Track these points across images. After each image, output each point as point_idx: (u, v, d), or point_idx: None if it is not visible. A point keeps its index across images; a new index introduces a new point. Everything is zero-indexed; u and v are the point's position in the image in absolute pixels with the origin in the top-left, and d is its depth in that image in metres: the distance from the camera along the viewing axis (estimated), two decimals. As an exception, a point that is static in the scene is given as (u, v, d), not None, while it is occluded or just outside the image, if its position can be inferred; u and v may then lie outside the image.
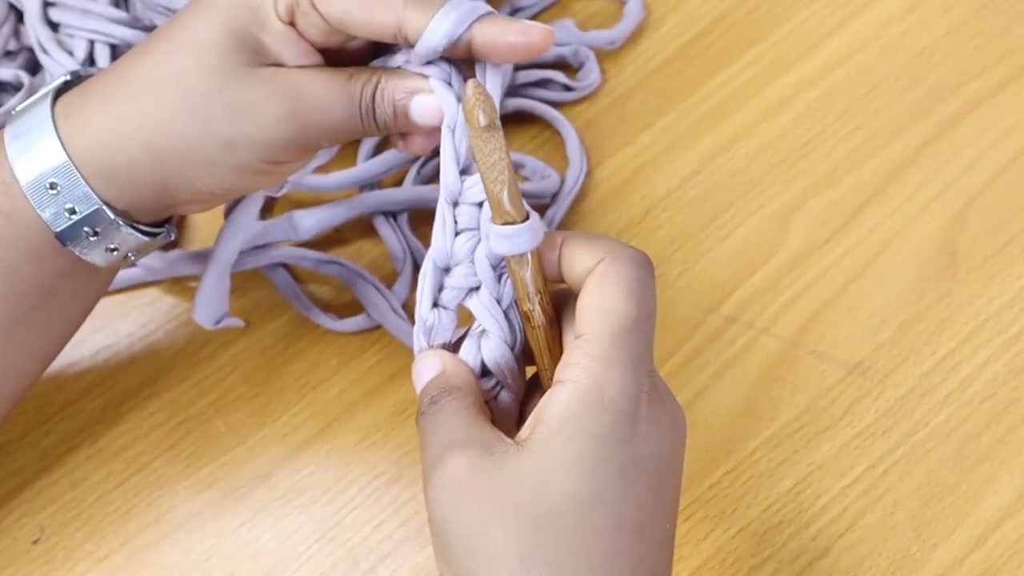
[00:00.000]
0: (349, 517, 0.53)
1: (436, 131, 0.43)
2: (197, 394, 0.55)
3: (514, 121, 0.62)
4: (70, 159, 0.42)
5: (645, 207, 0.60)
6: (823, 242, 0.59)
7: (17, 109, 0.45)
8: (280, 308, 0.57)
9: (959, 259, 0.58)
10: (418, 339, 0.43)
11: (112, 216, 0.43)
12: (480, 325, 0.43)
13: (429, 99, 0.42)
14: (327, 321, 0.56)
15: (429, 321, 0.43)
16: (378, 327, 0.56)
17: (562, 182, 0.60)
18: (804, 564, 0.52)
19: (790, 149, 0.62)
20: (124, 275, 0.57)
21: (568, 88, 0.63)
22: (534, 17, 0.66)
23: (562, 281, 0.41)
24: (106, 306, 0.57)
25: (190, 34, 0.42)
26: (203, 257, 0.56)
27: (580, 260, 0.40)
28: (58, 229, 0.43)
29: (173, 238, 0.47)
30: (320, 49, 0.43)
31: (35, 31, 0.60)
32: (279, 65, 0.42)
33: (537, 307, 0.41)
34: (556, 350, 0.41)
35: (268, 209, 0.60)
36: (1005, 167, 0.61)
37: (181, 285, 0.58)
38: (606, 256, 0.39)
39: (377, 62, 0.44)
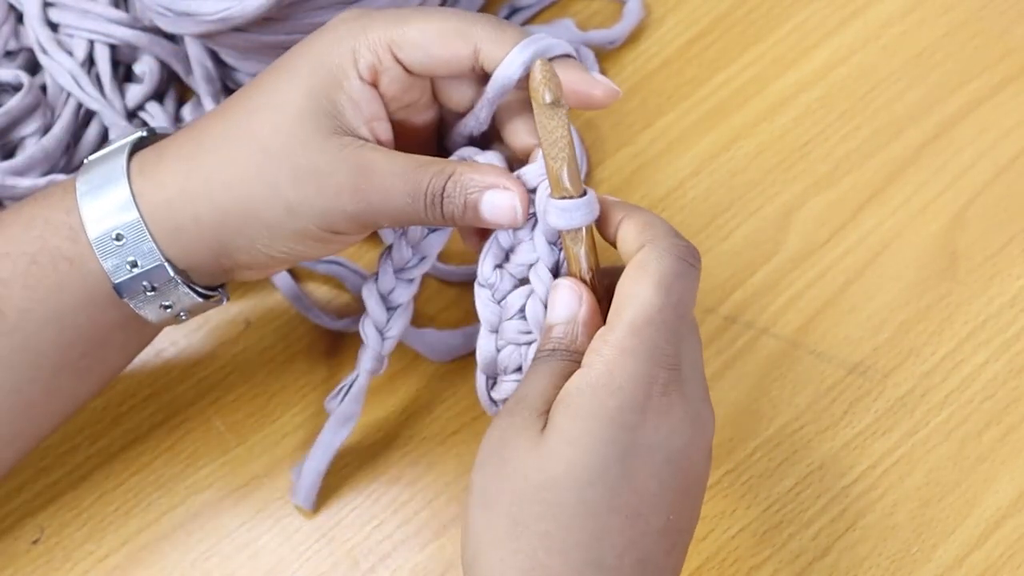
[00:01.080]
0: (349, 517, 0.53)
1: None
2: (197, 394, 0.55)
3: (514, 121, 0.62)
4: (140, 213, 0.43)
5: (645, 207, 0.60)
6: (823, 242, 0.59)
7: (91, 159, 0.45)
8: (280, 308, 0.57)
9: (959, 259, 0.58)
10: (480, 299, 0.44)
11: (172, 274, 0.44)
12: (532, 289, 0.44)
13: (503, 196, 0.42)
14: (327, 321, 0.56)
15: (491, 279, 0.44)
16: (378, 327, 0.56)
17: (562, 182, 0.60)
18: (804, 564, 0.52)
19: (790, 149, 0.62)
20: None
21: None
22: (534, 17, 0.66)
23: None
24: (106, 306, 0.57)
25: (268, 96, 0.43)
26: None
27: (629, 242, 0.41)
28: (117, 281, 0.44)
29: (226, 302, 0.48)
30: (394, 119, 0.44)
31: (35, 31, 0.60)
32: (354, 133, 0.43)
33: (588, 279, 0.42)
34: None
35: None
36: (1005, 167, 0.61)
37: (181, 285, 0.58)
38: (647, 243, 0.40)
39: (457, 155, 0.45)
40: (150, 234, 0.43)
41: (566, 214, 0.41)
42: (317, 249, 0.44)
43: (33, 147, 0.58)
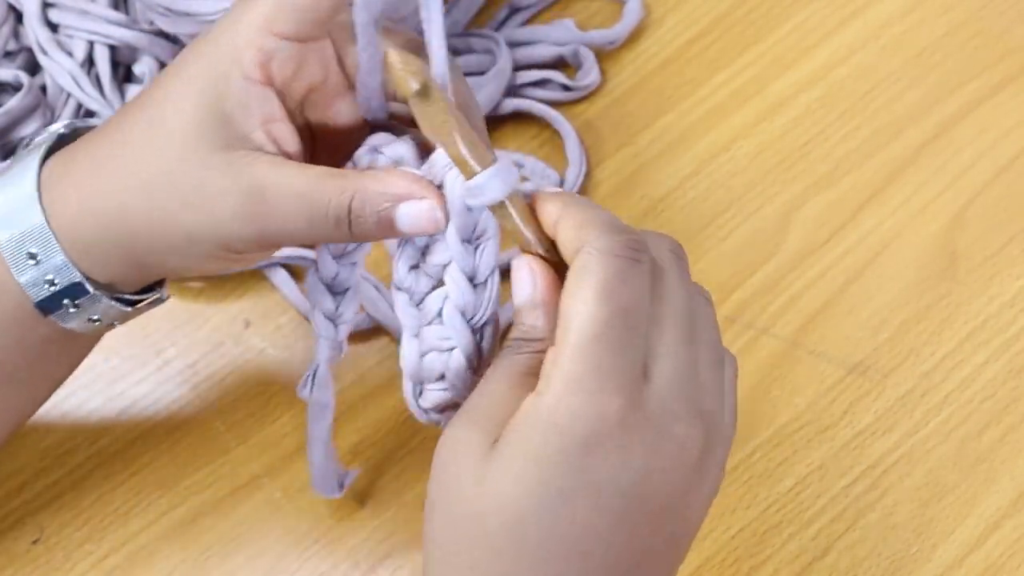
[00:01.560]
0: (349, 517, 0.53)
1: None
2: (197, 394, 0.55)
3: (513, 121, 0.62)
4: (50, 229, 0.41)
5: (645, 207, 0.60)
6: (823, 242, 0.59)
7: (12, 158, 0.44)
8: (280, 308, 0.57)
9: (959, 259, 0.58)
10: (398, 303, 0.42)
11: (91, 290, 0.42)
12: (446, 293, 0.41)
13: (419, 207, 0.39)
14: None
15: (407, 282, 0.41)
16: (378, 327, 0.56)
17: (561, 182, 0.60)
18: (804, 564, 0.52)
19: (790, 149, 0.62)
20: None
21: (567, 88, 0.62)
22: (534, 17, 0.66)
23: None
24: (106, 306, 0.57)
25: (158, 107, 0.41)
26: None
27: (567, 246, 0.38)
28: (37, 300, 0.43)
29: (166, 299, 0.47)
30: (311, 121, 0.42)
31: (34, 32, 0.60)
32: (246, 142, 0.40)
33: (542, 253, 0.39)
34: None
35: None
36: (1005, 167, 0.61)
37: (181, 285, 0.58)
38: (583, 246, 0.36)
39: (367, 144, 0.42)
40: (63, 251, 0.42)
41: (478, 191, 0.38)
42: (228, 265, 0.43)
43: (33, 147, 0.58)
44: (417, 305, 0.41)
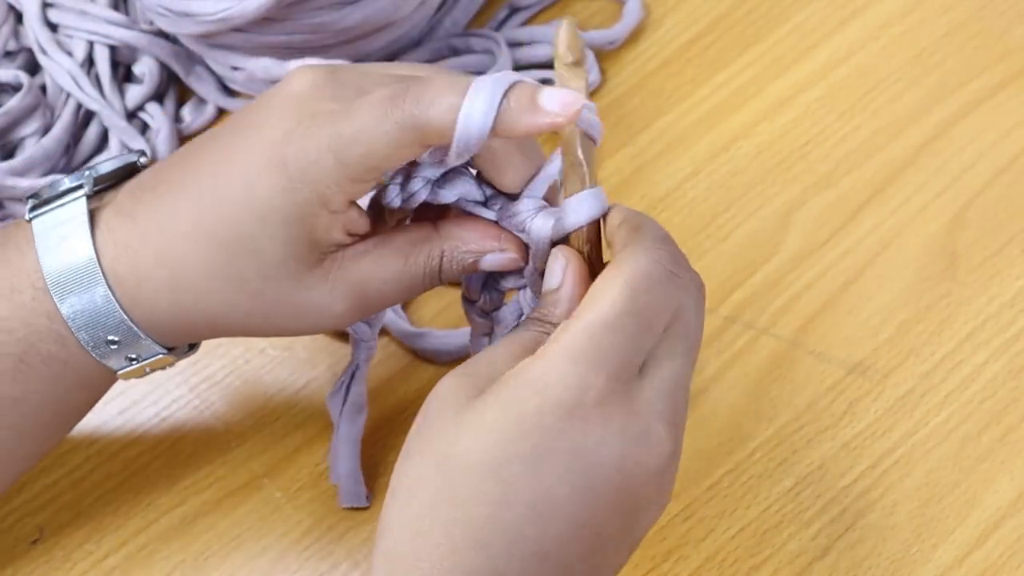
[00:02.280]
0: (349, 517, 0.53)
1: None
2: (196, 395, 0.55)
3: (514, 121, 0.62)
4: (108, 285, 0.42)
5: (645, 207, 0.60)
6: (823, 242, 0.59)
7: (42, 227, 0.43)
8: (280, 308, 0.57)
9: (959, 259, 0.58)
10: (471, 318, 0.46)
11: (172, 356, 0.45)
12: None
13: (501, 257, 0.43)
14: (327, 321, 0.56)
15: (475, 296, 0.45)
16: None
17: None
18: (804, 564, 0.52)
19: (790, 149, 0.62)
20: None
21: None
22: (534, 17, 0.66)
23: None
24: (106, 306, 0.57)
25: (251, 244, 0.41)
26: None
27: (617, 249, 0.40)
28: (119, 371, 0.45)
29: (195, 352, 0.48)
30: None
31: (34, 32, 0.60)
32: (333, 248, 0.42)
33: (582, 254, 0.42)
34: None
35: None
36: (1005, 167, 0.61)
37: (181, 285, 0.58)
38: (628, 246, 0.39)
39: (416, 185, 0.43)
40: (143, 335, 0.43)
41: (583, 205, 0.41)
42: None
43: (33, 147, 0.58)
44: (488, 314, 0.46)
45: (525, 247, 0.43)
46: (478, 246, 0.43)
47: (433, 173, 0.43)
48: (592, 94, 0.63)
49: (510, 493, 0.36)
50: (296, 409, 0.55)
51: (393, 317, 0.56)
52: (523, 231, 0.42)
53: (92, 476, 0.54)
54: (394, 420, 0.55)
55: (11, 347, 0.43)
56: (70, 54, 0.60)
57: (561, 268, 0.41)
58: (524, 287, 0.44)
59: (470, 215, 0.44)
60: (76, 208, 0.43)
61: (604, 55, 0.64)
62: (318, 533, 0.52)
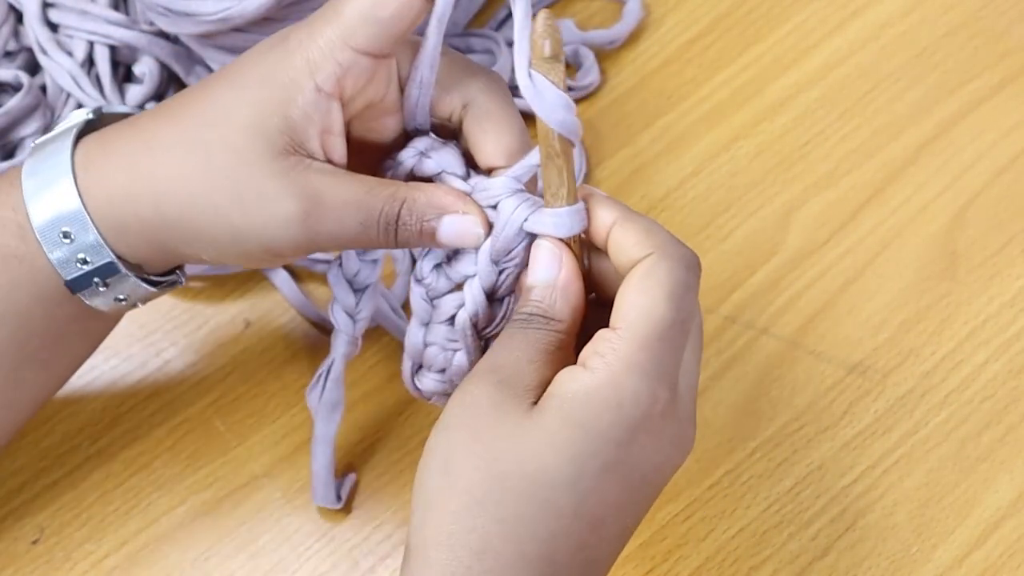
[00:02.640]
0: (349, 517, 0.53)
1: None
2: (197, 394, 0.55)
3: (514, 121, 0.62)
4: (86, 210, 0.42)
5: (645, 207, 0.60)
6: (823, 242, 0.59)
7: (37, 142, 0.44)
8: (280, 308, 0.57)
9: (959, 259, 0.58)
10: (414, 293, 0.44)
11: (123, 270, 0.43)
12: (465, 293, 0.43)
13: (462, 222, 0.41)
14: (327, 321, 0.56)
15: (428, 278, 0.43)
16: (378, 327, 0.56)
17: (562, 182, 0.60)
18: (804, 564, 0.52)
19: (790, 149, 0.62)
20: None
21: (567, 88, 0.62)
22: (534, 17, 0.65)
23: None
24: (106, 306, 0.57)
25: (218, 108, 0.42)
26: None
27: (629, 249, 0.39)
28: (69, 278, 0.43)
29: (183, 284, 0.48)
30: (354, 136, 0.43)
31: (34, 32, 0.60)
32: (303, 149, 0.41)
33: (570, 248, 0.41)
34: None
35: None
36: (1005, 167, 0.61)
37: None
38: (655, 251, 0.39)
39: (411, 147, 0.43)
40: (97, 231, 0.42)
41: (558, 221, 0.40)
42: (261, 263, 0.44)
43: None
44: (432, 301, 0.43)
45: (490, 227, 0.42)
46: (440, 203, 0.41)
47: (424, 145, 0.43)
48: (592, 94, 0.63)
49: (581, 506, 0.37)
50: (296, 409, 0.55)
51: (393, 317, 0.56)
52: (493, 207, 0.41)
53: (92, 476, 0.54)
54: (394, 420, 0.55)
55: None
56: (70, 54, 0.60)
57: (555, 260, 0.40)
58: (474, 276, 0.42)
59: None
60: (67, 130, 0.44)
61: (604, 55, 0.64)
62: (318, 533, 0.52)
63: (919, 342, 0.56)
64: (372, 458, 0.54)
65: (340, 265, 0.47)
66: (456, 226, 0.41)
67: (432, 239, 0.42)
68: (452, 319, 0.43)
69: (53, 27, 0.61)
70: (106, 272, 0.43)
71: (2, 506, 0.53)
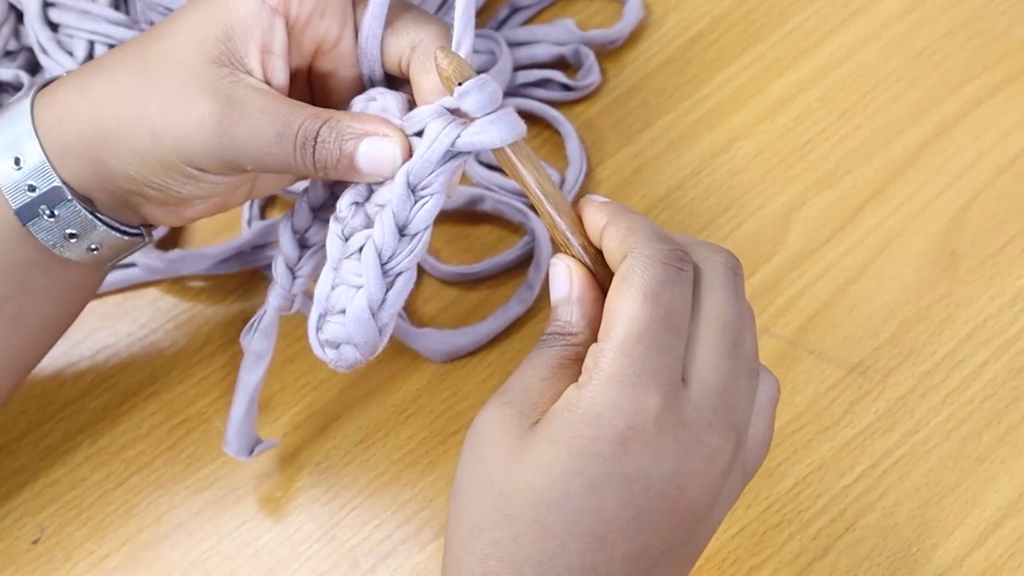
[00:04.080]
0: (349, 517, 0.53)
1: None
2: (197, 394, 0.55)
3: (514, 121, 0.62)
4: (34, 129, 0.43)
5: (645, 207, 0.60)
6: (823, 242, 0.59)
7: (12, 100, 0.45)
8: (280, 308, 0.57)
9: (959, 259, 0.58)
10: (330, 232, 0.42)
11: (68, 196, 0.43)
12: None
13: (382, 145, 0.40)
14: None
15: (344, 214, 0.42)
16: (378, 327, 0.56)
17: (562, 182, 0.60)
18: (804, 564, 0.52)
19: (790, 149, 0.62)
20: (124, 275, 0.57)
21: (568, 88, 0.63)
22: (534, 17, 0.66)
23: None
24: (106, 306, 0.57)
25: (167, 24, 0.42)
26: (203, 257, 0.56)
27: (613, 253, 0.39)
28: (16, 206, 0.43)
29: (148, 242, 0.47)
30: (315, 71, 0.43)
31: (35, 31, 0.60)
32: (241, 64, 0.41)
33: (574, 241, 0.40)
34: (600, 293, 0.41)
35: (267, 209, 0.60)
36: (1005, 167, 0.61)
37: (181, 285, 0.58)
38: (630, 253, 0.38)
39: (360, 97, 0.43)
40: (42, 149, 0.42)
41: (493, 126, 0.39)
42: (190, 187, 0.43)
43: (33, 147, 0.58)
44: (346, 239, 0.42)
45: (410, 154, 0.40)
46: (363, 126, 0.40)
47: (375, 93, 0.42)
48: (592, 94, 0.63)
49: (575, 525, 0.37)
50: (296, 409, 0.55)
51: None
52: (419, 135, 0.40)
53: (92, 476, 0.54)
54: (394, 420, 0.55)
55: None
56: (71, 54, 0.60)
57: (565, 275, 0.40)
58: (387, 204, 0.41)
59: None
60: (28, 91, 0.45)
61: (604, 55, 0.64)
62: (318, 533, 0.52)
63: (919, 342, 0.56)
64: (372, 458, 0.54)
65: (291, 216, 0.46)
66: (375, 149, 0.40)
67: (350, 163, 0.40)
68: (360, 251, 0.41)
69: (53, 27, 0.61)
70: (52, 198, 0.43)
71: (2, 506, 0.53)
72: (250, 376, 0.49)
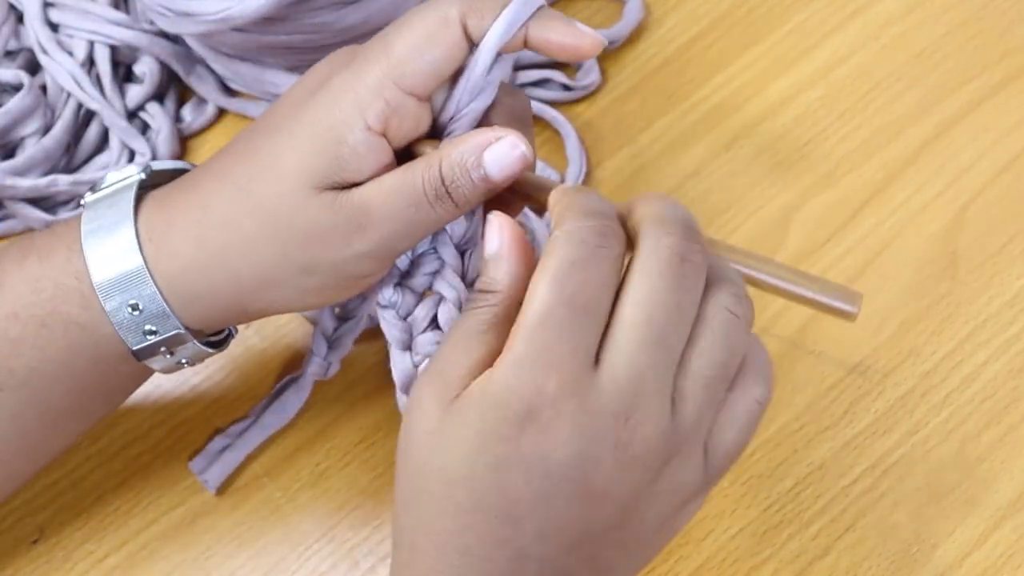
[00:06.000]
0: (349, 517, 0.53)
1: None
2: (197, 394, 0.55)
3: (514, 121, 0.62)
4: (156, 286, 0.42)
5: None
6: (823, 242, 0.59)
7: (91, 201, 0.44)
8: (280, 308, 0.57)
9: (959, 259, 0.58)
10: (384, 320, 0.44)
11: (191, 340, 0.44)
12: (439, 293, 0.44)
13: (503, 146, 0.40)
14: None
15: (393, 298, 0.43)
16: (378, 327, 0.56)
17: (562, 182, 0.60)
18: (804, 564, 0.52)
19: (790, 149, 0.62)
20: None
21: (568, 88, 0.63)
22: (534, 17, 0.66)
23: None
24: (106, 306, 0.57)
25: (269, 160, 0.42)
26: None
27: (552, 226, 0.39)
28: (135, 348, 0.44)
29: (235, 335, 0.49)
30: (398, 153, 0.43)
31: (35, 31, 0.60)
32: (355, 182, 0.41)
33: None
34: None
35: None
36: (1005, 167, 0.61)
37: (181, 285, 0.58)
38: (555, 228, 0.37)
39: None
40: (167, 306, 0.43)
41: (509, 11, 0.41)
42: (339, 296, 0.44)
43: (33, 147, 0.58)
44: (405, 318, 0.43)
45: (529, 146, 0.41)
46: (474, 142, 0.40)
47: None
48: (592, 94, 0.63)
49: (481, 502, 0.37)
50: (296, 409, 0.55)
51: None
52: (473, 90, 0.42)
53: (92, 476, 0.54)
54: (394, 420, 0.55)
55: (37, 308, 0.43)
56: (71, 54, 0.60)
57: (496, 230, 0.39)
58: (444, 267, 0.42)
59: None
60: (126, 189, 0.44)
61: (604, 55, 0.64)
62: (318, 533, 0.52)
63: (919, 342, 0.56)
64: (372, 458, 0.54)
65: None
66: (500, 153, 0.40)
67: (487, 180, 0.40)
68: (433, 321, 0.43)
69: (54, 27, 0.61)
70: (173, 341, 0.44)
71: (2, 506, 0.53)
72: (261, 433, 0.53)
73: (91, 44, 0.60)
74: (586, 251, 0.37)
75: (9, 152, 0.60)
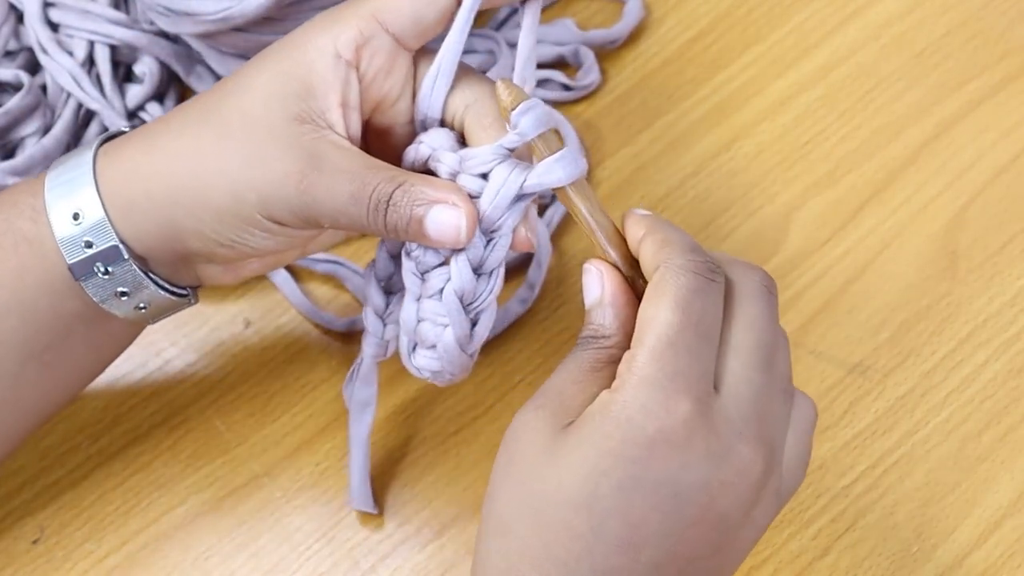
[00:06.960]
0: (349, 517, 0.53)
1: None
2: (197, 394, 0.55)
3: (514, 121, 0.62)
4: (96, 186, 0.43)
5: (645, 207, 0.60)
6: (823, 242, 0.59)
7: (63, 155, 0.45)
8: (280, 308, 0.57)
9: (959, 259, 0.58)
10: (405, 267, 0.44)
11: (126, 256, 0.43)
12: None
13: (449, 214, 0.40)
14: (327, 321, 0.56)
15: (416, 251, 0.43)
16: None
17: (562, 182, 0.60)
18: (804, 564, 0.52)
19: (790, 149, 0.62)
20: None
21: (568, 88, 0.63)
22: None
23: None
24: (106, 306, 0.57)
25: (240, 80, 0.42)
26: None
27: (648, 264, 0.40)
28: (71, 261, 0.43)
29: (193, 303, 0.47)
30: (372, 123, 0.43)
31: (35, 31, 0.60)
32: (321, 117, 0.41)
33: (613, 254, 0.41)
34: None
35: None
36: (1005, 167, 0.61)
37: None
38: (661, 264, 0.39)
39: (410, 147, 0.43)
40: (103, 206, 0.42)
41: (558, 165, 0.40)
42: (266, 241, 0.43)
43: (33, 147, 0.58)
44: (422, 275, 0.43)
45: (475, 227, 0.41)
46: (434, 192, 0.41)
47: (425, 136, 0.43)
48: (592, 94, 0.63)
49: (601, 527, 0.37)
50: (296, 408, 0.55)
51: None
52: (484, 176, 0.41)
53: (92, 476, 0.54)
54: (395, 420, 0.55)
55: None
56: (71, 54, 0.60)
57: (596, 279, 0.41)
58: (461, 249, 0.42)
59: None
60: (89, 146, 0.45)
61: (604, 55, 0.64)
62: (318, 533, 0.52)
63: (919, 342, 0.56)
64: (372, 458, 0.54)
65: (375, 266, 0.47)
66: (443, 217, 0.41)
67: (419, 227, 0.41)
68: (440, 293, 0.43)
69: (54, 27, 0.61)
70: (109, 257, 0.43)
71: (2, 506, 0.53)
72: (359, 427, 0.50)
73: (91, 44, 0.60)
74: (702, 282, 0.38)
75: (9, 152, 0.60)
